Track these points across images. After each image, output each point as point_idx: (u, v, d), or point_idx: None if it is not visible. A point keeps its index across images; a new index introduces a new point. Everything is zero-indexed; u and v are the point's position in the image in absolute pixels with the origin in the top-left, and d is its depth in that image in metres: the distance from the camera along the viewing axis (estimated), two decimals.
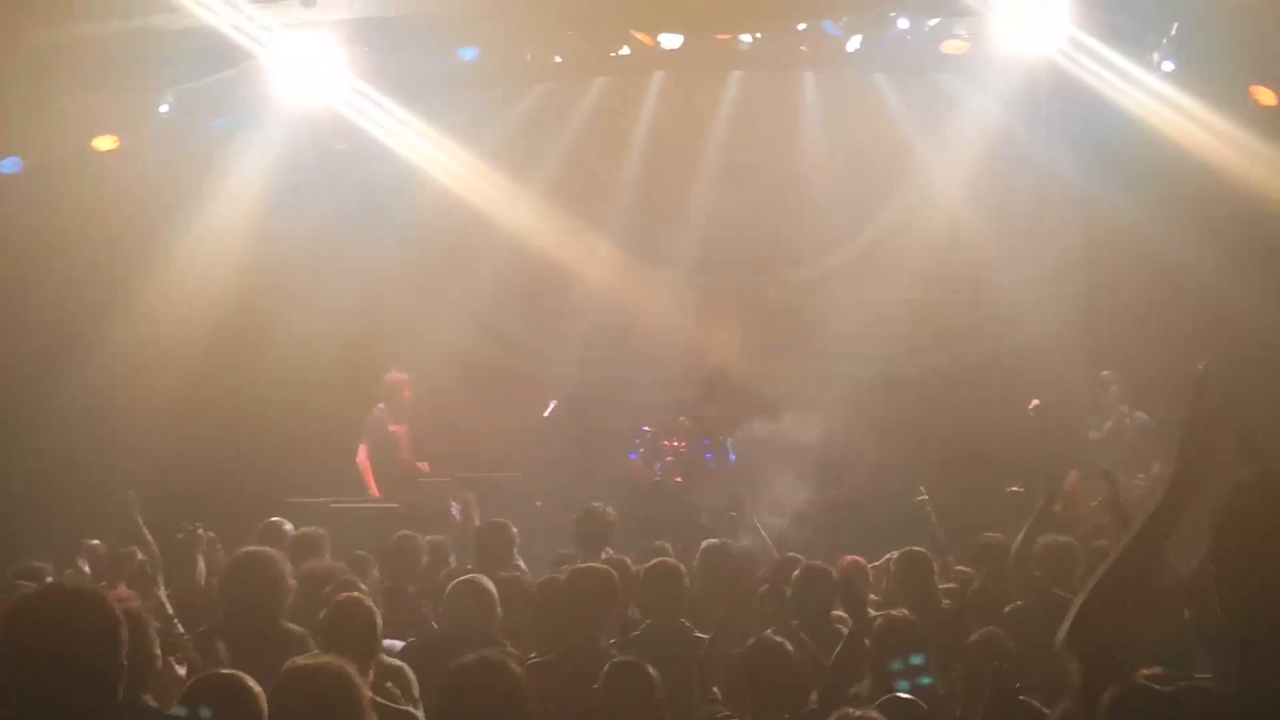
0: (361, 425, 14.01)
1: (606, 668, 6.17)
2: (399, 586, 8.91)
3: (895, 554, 9.02)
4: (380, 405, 14.04)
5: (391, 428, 14.00)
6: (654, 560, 7.94)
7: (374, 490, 13.70)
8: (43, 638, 3.78)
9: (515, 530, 9.40)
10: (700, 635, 7.18)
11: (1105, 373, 13.63)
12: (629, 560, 8.50)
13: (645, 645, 7.06)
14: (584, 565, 7.27)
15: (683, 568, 7.81)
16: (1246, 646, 3.12)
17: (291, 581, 7.08)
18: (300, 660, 4.41)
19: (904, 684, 6.12)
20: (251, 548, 7.77)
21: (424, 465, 14.06)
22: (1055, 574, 8.18)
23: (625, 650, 6.83)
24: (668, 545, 10.14)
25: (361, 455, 13.88)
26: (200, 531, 9.34)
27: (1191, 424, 3.42)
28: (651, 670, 6.13)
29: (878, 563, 9.76)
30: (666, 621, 7.42)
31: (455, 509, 11.40)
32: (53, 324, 14.12)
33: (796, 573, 8.33)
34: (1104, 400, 13.51)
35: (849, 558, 9.51)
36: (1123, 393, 13.46)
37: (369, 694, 4.28)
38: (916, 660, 6.22)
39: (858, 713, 5.05)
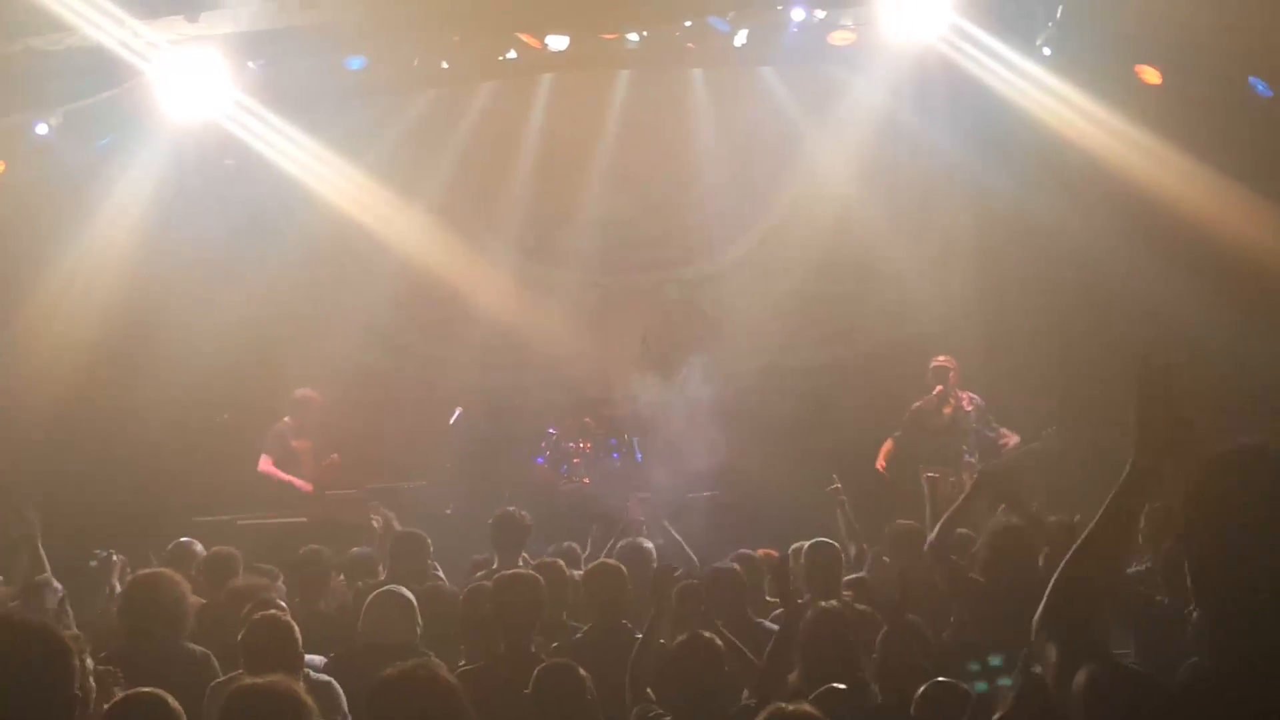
0: (263, 436, 13.90)
1: (537, 671, 6.18)
2: (308, 602, 8.85)
3: (804, 544, 9.12)
4: (286, 419, 13.92)
5: (294, 443, 13.89)
6: (595, 563, 7.96)
7: (292, 480, 13.56)
8: None
9: (429, 539, 9.38)
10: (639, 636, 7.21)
11: (940, 358, 13.69)
12: (562, 563, 8.49)
13: (589, 648, 7.08)
14: (511, 572, 7.27)
15: (625, 570, 7.82)
16: (1219, 624, 3.13)
17: (192, 601, 7.04)
18: (248, 680, 4.37)
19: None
20: (149, 570, 7.73)
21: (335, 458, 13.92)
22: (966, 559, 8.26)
23: (569, 654, 6.83)
24: (575, 546, 10.16)
25: (264, 464, 13.77)
26: (115, 558, 9.24)
27: (1143, 405, 3.46)
28: (582, 671, 6.15)
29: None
30: (609, 624, 7.43)
31: (377, 521, 11.32)
32: None
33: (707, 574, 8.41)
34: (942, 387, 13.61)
35: (764, 550, 9.58)
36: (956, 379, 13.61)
37: (316, 712, 4.25)
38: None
39: (791, 707, 5.07)
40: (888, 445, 13.72)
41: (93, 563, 9.54)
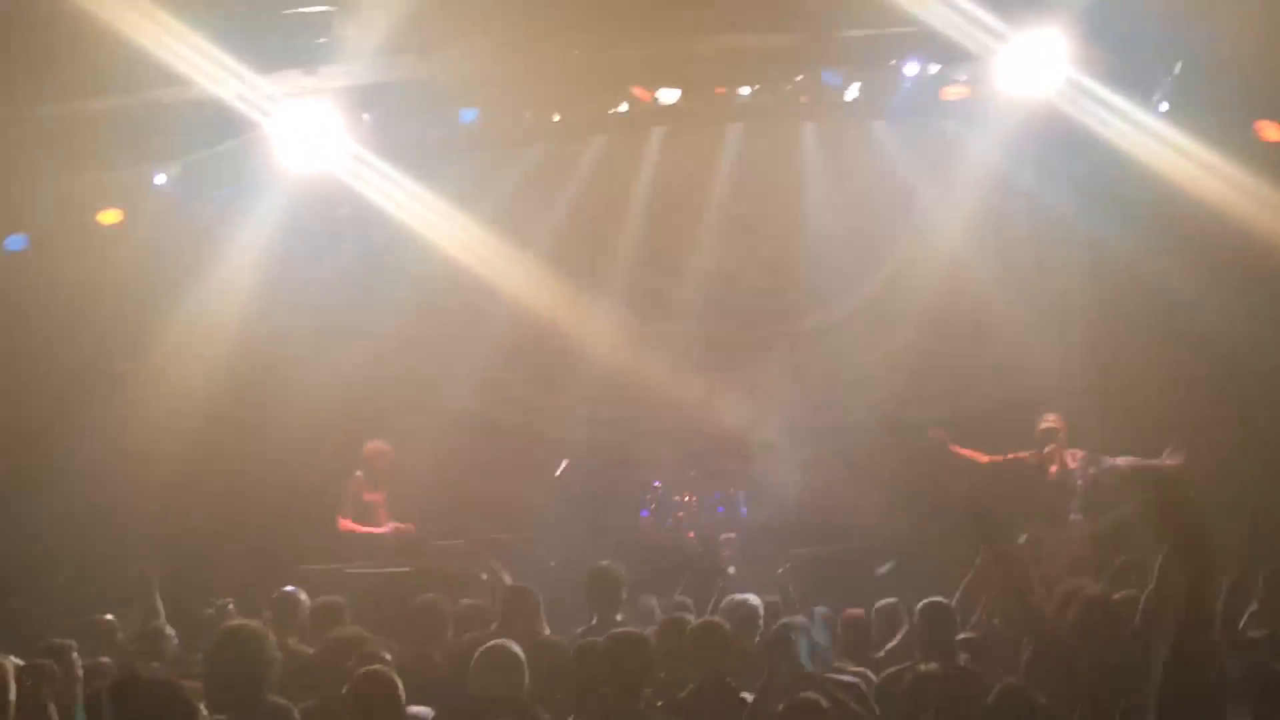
0: (338, 496, 13.99)
1: None
2: (423, 652, 8.86)
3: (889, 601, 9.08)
4: (358, 473, 14.01)
5: (367, 496, 13.97)
6: (701, 620, 7.89)
7: (372, 529, 13.65)
8: None
9: (539, 596, 9.36)
10: (745, 695, 7.13)
11: (1050, 417, 13.50)
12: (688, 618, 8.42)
13: (693, 707, 7.03)
14: (624, 630, 7.23)
15: (728, 627, 7.75)
16: None
17: (277, 654, 7.06)
18: None
19: None
20: (236, 622, 7.77)
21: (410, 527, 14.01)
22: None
23: (673, 713, 6.79)
24: (689, 601, 10.08)
25: (343, 524, 13.84)
26: (230, 607, 9.35)
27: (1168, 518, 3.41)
28: None
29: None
30: (713, 682, 7.35)
31: (485, 573, 11.35)
32: (56, 398, 14.10)
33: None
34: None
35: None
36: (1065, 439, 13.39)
37: None
38: None
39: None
40: (975, 454, 13.58)
41: (209, 610, 9.66)
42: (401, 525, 13.85)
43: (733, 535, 13.40)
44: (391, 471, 14.09)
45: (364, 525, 13.78)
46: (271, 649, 6.98)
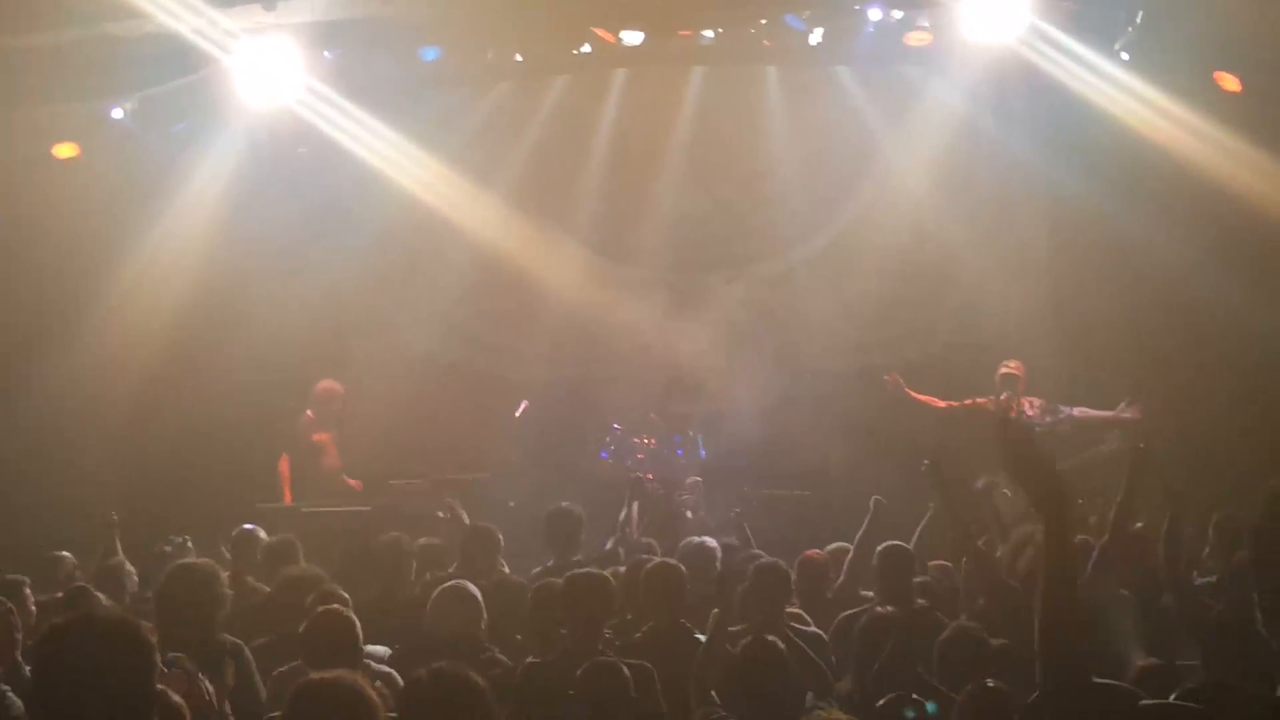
0: (287, 435, 13.97)
1: (581, 670, 6.19)
2: (388, 591, 8.89)
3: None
4: (308, 413, 13.99)
5: (315, 436, 13.96)
6: (655, 561, 7.91)
7: (287, 497, 13.65)
8: (80, 669, 3.74)
9: (500, 536, 9.40)
10: (700, 636, 7.17)
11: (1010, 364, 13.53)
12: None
13: (649, 647, 7.06)
14: (583, 571, 7.25)
15: (684, 569, 7.78)
16: None
17: (227, 592, 7.08)
18: (316, 676, 4.36)
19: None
20: (186, 560, 7.80)
21: (355, 483, 14.01)
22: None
23: (628, 653, 6.82)
24: (654, 543, 10.13)
25: (283, 464, 13.84)
26: (188, 544, 9.36)
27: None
28: (625, 670, 6.16)
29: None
30: (668, 623, 7.39)
31: (444, 512, 11.35)
32: (11, 329, 13.99)
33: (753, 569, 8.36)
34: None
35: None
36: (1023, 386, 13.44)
37: (382, 708, 4.24)
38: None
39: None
40: (932, 399, 13.64)
41: (167, 548, 9.67)
42: (352, 481, 13.90)
43: (699, 480, 13.40)
44: (342, 412, 14.08)
45: (308, 465, 13.76)
46: (221, 587, 7.01)
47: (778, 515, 12.69)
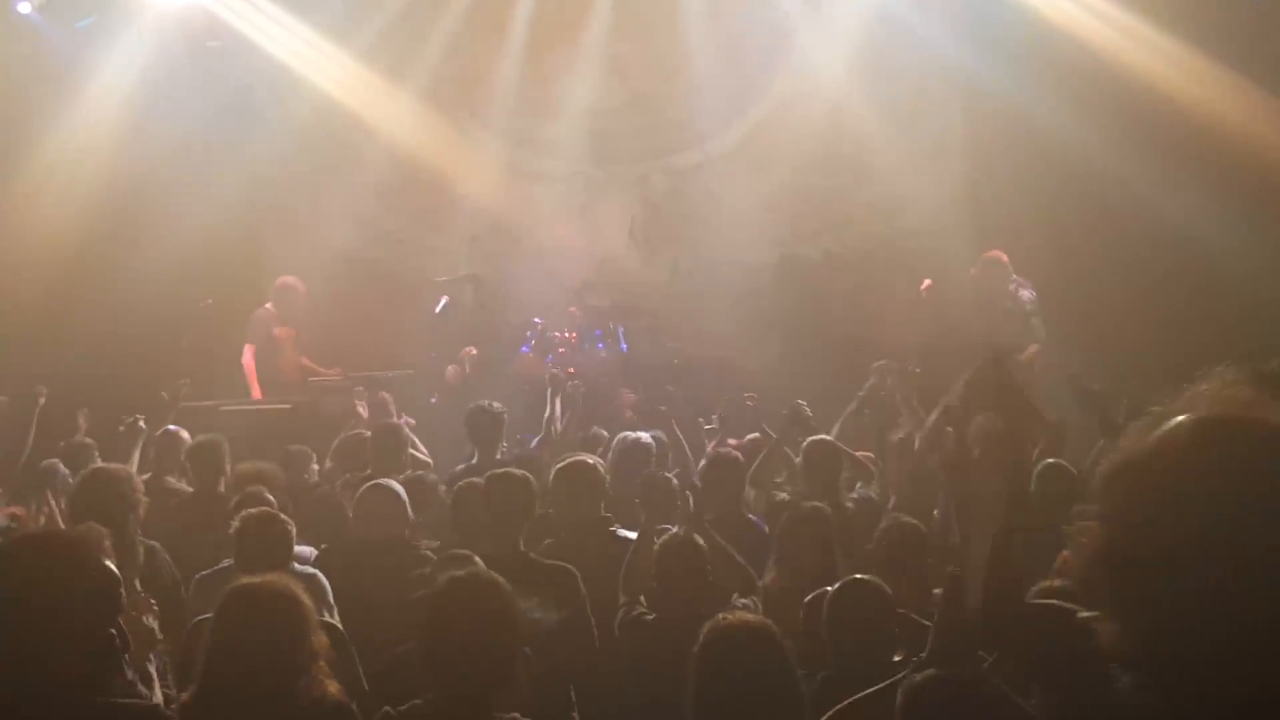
0: (246, 324, 13.86)
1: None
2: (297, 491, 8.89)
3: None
4: (267, 305, 13.88)
5: (276, 330, 13.86)
6: (571, 459, 7.88)
7: (256, 392, 13.60)
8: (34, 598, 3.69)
9: (406, 431, 9.41)
10: (623, 533, 7.20)
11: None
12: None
13: (568, 546, 7.08)
14: (502, 471, 7.20)
15: (600, 466, 7.80)
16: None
17: (141, 495, 7.07)
18: (247, 580, 4.36)
19: None
20: (99, 465, 7.79)
21: (306, 361, 13.96)
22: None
23: (557, 554, 6.83)
24: (603, 432, 10.19)
25: (246, 356, 13.76)
26: (140, 423, 9.43)
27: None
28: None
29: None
30: (589, 519, 7.41)
31: (362, 407, 11.31)
32: None
33: (704, 463, 8.41)
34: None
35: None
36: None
37: (314, 611, 4.25)
38: None
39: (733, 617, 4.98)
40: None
41: (120, 428, 9.72)
42: (328, 371, 13.84)
43: (633, 397, 13.31)
44: (301, 307, 13.97)
45: (270, 359, 13.72)
46: (134, 491, 7.00)
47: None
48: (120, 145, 14.22)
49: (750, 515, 8.14)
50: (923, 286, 13.25)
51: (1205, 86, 12.61)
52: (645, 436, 9.04)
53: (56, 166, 14.05)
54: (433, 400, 13.33)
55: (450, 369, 13.70)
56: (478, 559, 5.99)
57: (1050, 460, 7.78)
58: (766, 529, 7.82)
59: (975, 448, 7.86)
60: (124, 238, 14.33)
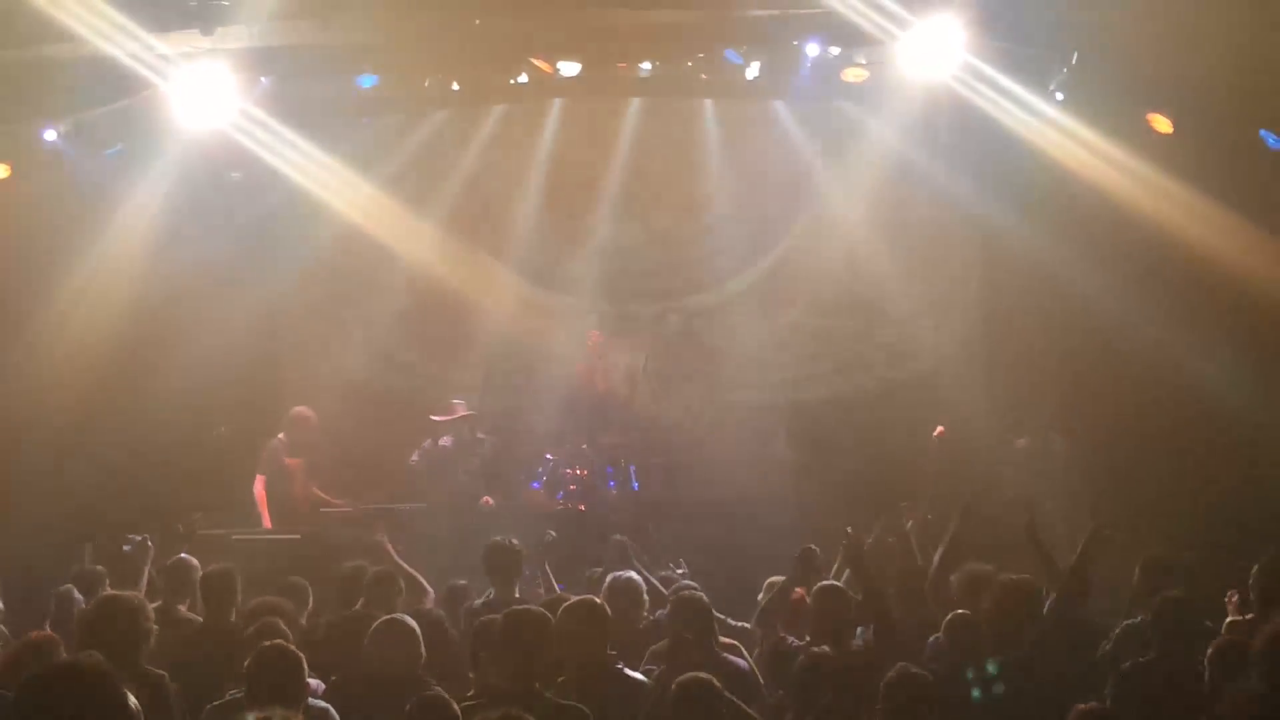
0: (258, 455, 13.88)
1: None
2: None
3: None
4: (280, 436, 13.91)
5: (288, 460, 13.88)
6: (577, 599, 7.70)
7: (266, 521, 13.59)
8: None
9: (400, 582, 9.31)
10: (631, 674, 7.12)
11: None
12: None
13: (577, 688, 6.98)
14: (522, 608, 7.10)
15: (604, 606, 7.66)
16: None
17: (152, 625, 7.02)
18: (252, 716, 4.32)
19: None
20: (111, 592, 7.74)
21: (318, 491, 13.94)
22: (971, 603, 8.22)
23: (560, 694, 6.73)
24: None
25: (258, 486, 13.78)
26: (148, 543, 9.38)
27: None
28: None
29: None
30: (595, 661, 7.27)
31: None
32: None
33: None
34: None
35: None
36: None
37: None
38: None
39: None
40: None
41: (126, 548, 9.67)
42: (339, 501, 13.83)
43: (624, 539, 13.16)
44: (314, 438, 13.99)
45: (281, 489, 13.71)
46: (146, 620, 6.95)
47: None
48: (143, 271, 14.30)
49: (726, 655, 7.98)
50: (935, 433, 13.26)
51: (1221, 235, 12.69)
52: (634, 575, 8.89)
53: (81, 293, 14.12)
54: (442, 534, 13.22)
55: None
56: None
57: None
58: (745, 664, 7.77)
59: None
60: (146, 364, 14.40)
